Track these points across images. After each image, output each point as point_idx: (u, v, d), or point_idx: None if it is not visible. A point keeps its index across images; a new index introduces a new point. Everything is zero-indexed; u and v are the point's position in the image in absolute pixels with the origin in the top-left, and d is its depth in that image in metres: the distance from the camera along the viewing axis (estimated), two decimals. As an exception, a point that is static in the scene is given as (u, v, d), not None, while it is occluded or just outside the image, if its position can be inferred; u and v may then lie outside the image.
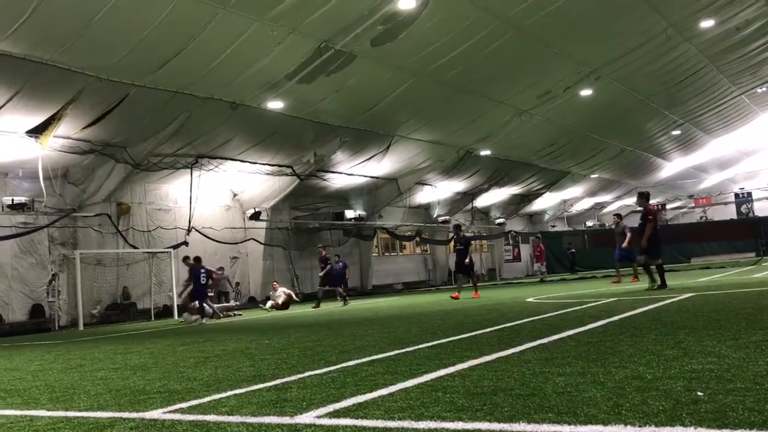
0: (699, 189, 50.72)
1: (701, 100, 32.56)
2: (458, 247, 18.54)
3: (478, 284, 20.30)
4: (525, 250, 45.61)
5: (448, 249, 36.89)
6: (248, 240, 27.32)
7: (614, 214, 20.93)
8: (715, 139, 41.61)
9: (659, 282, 13.43)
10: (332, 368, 5.59)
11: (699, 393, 3.43)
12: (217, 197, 26.43)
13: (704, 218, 48.34)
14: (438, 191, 35.31)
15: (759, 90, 33.90)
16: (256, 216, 26.75)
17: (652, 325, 6.91)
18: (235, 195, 27.44)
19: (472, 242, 27.02)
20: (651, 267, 13.76)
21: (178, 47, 16.26)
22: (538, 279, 30.77)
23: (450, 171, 32.46)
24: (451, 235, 19.41)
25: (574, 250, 40.93)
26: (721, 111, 35.66)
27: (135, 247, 22.78)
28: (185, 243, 23.92)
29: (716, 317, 7.14)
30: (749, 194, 49.02)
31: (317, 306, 20.26)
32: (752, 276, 16.75)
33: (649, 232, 13.36)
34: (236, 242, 26.96)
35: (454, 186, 35.65)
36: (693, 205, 50.15)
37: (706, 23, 23.22)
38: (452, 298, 17.04)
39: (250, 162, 24.50)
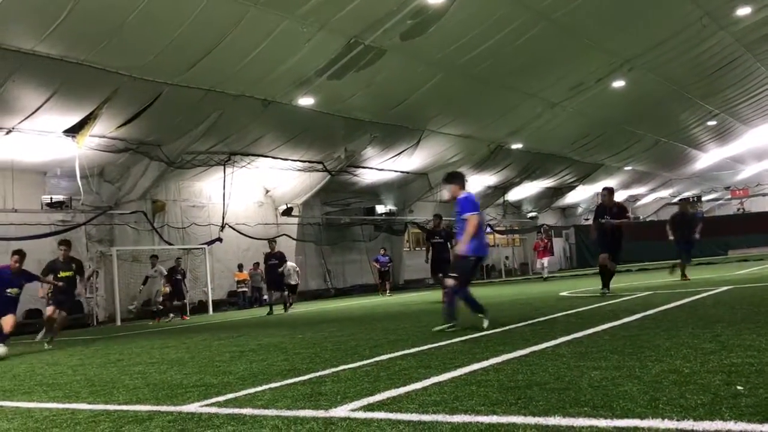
0: (736, 180, 49.73)
1: (738, 90, 31.86)
2: (436, 240, 15.19)
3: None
4: (558, 243, 45.16)
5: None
6: (281, 236, 27.51)
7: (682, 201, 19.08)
8: (752, 129, 40.70)
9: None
10: (366, 362, 5.61)
11: (739, 387, 3.37)
12: (249, 194, 26.67)
13: (741, 210, 47.47)
14: (469, 185, 34.97)
15: (798, 78, 33.04)
16: (288, 212, 26.96)
17: (689, 318, 6.81)
18: (267, 191, 27.66)
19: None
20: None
21: (209, 46, 16.41)
22: (542, 277, 27.52)
23: (481, 165, 32.27)
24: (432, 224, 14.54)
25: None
26: (758, 100, 34.84)
27: (170, 244, 23.12)
28: (219, 239, 24.28)
29: (755, 310, 7.01)
30: (789, 185, 47.90)
31: (270, 313, 17.59)
32: (792, 268, 16.39)
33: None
34: (269, 238, 27.13)
35: (486, 180, 35.42)
36: (729, 196, 49.22)
37: (743, 11, 22.69)
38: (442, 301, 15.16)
39: (281, 158, 24.65)
